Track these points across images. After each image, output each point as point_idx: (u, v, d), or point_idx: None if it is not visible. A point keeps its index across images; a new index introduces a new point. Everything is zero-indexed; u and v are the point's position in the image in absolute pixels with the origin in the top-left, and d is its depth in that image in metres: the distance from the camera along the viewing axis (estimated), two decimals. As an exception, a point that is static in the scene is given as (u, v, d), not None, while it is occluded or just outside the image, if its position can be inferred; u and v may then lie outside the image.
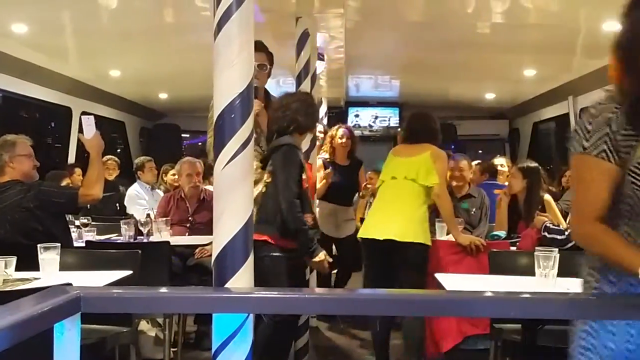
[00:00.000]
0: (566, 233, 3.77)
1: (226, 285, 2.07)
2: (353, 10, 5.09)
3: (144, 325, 4.40)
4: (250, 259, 2.10)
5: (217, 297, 1.87)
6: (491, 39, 5.91)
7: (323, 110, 8.26)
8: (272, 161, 3.49)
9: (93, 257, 3.48)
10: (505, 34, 5.73)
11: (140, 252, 3.45)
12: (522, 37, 5.74)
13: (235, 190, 2.08)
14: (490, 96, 9.35)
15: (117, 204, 6.41)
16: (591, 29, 5.35)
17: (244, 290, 2.03)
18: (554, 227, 3.92)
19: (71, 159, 7.46)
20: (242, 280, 2.07)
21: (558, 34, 5.50)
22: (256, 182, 3.45)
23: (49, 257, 2.96)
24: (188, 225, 5.09)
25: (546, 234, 3.83)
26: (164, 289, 2.00)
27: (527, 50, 6.25)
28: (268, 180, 3.49)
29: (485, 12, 5.15)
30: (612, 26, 5.14)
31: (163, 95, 9.19)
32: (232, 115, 2.08)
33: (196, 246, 4.69)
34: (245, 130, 2.09)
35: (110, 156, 6.96)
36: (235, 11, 2.08)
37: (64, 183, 5.31)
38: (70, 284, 2.47)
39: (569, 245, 3.69)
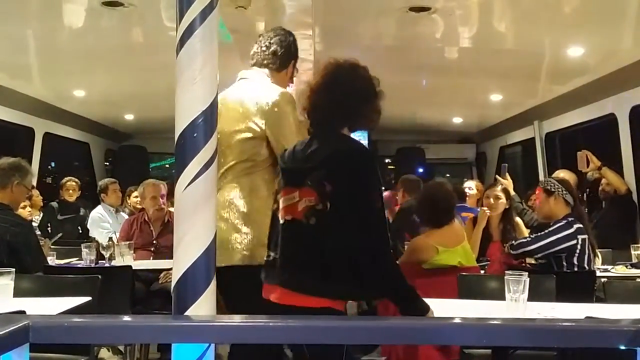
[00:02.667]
0: (532, 235, 3.86)
1: (187, 313, 1.99)
2: (321, 33, 5.08)
3: (104, 353, 4.25)
4: (212, 285, 2.02)
5: (176, 325, 1.78)
6: (458, 63, 5.96)
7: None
8: (328, 172, 2.21)
9: (50, 282, 3.35)
10: (472, 59, 5.78)
11: (100, 277, 3.32)
12: (489, 63, 5.80)
13: (196, 213, 2.01)
14: (457, 120, 9.44)
15: (79, 227, 6.24)
16: (556, 55, 5.43)
17: (205, 318, 1.94)
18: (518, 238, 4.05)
19: (33, 180, 7.26)
20: (203, 307, 1.98)
21: (523, 60, 5.57)
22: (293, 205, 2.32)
23: (2, 283, 2.84)
24: (152, 249, 4.97)
25: (513, 242, 3.93)
26: (119, 317, 1.90)
27: (493, 75, 6.31)
28: (319, 207, 2.19)
29: (452, 37, 5.19)
30: (576, 52, 5.31)
31: (129, 116, 9.05)
32: (195, 135, 2.01)
33: (160, 270, 4.56)
34: (208, 150, 2.02)
35: (69, 177, 6.78)
36: (198, 26, 2.02)
37: (21, 205, 5.14)
38: (23, 312, 2.36)
39: (535, 246, 3.73)
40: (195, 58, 2.03)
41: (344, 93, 2.30)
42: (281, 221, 2.29)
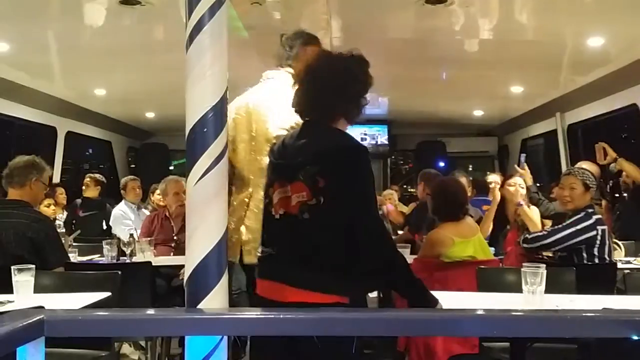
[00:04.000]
0: (549, 228, 3.83)
1: (199, 306, 2.00)
2: (338, 28, 5.07)
3: (126, 349, 4.30)
4: (225, 278, 2.03)
5: (188, 318, 1.80)
6: (478, 56, 5.91)
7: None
8: (321, 169, 2.16)
9: (71, 279, 3.39)
10: (492, 51, 5.73)
11: (120, 273, 3.36)
12: (509, 54, 5.74)
13: (208, 207, 2.02)
14: (478, 113, 9.35)
15: (104, 224, 6.28)
16: (576, 45, 5.36)
17: (218, 311, 1.95)
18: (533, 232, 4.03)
19: (56, 178, 7.35)
20: (215, 300, 2.00)
21: (544, 51, 5.50)
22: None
23: (23, 280, 2.87)
24: (173, 245, 5.00)
25: (527, 235, 3.90)
26: (131, 311, 1.92)
27: (514, 67, 6.25)
28: (312, 202, 2.15)
29: (472, 29, 5.14)
30: (597, 42, 5.23)
31: (150, 114, 9.12)
32: (205, 129, 2.02)
33: (181, 266, 4.58)
34: (218, 144, 2.03)
35: (89, 174, 6.82)
36: (207, 22, 2.03)
37: (45, 203, 5.22)
38: (41, 307, 2.40)
39: (553, 239, 3.69)
40: (204, 54, 2.04)
41: (325, 84, 2.25)
42: (276, 216, 2.24)
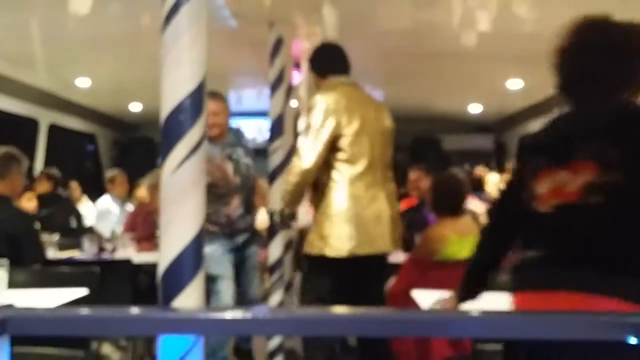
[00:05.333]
0: None
1: (174, 304, 1.90)
2: (331, 18, 4.95)
3: (107, 349, 4.17)
4: (201, 274, 1.92)
5: (159, 317, 1.68)
6: (476, 49, 5.79)
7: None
8: (613, 138, 1.80)
9: (48, 275, 3.28)
10: (490, 44, 5.61)
11: (99, 269, 3.24)
12: (508, 47, 5.63)
13: (184, 199, 1.91)
14: (476, 109, 9.24)
15: (73, 219, 5.82)
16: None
17: (192, 309, 1.84)
18: None
19: (37, 172, 7.18)
20: (191, 298, 1.89)
21: (544, 44, 5.37)
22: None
23: (-6, 276, 2.76)
24: (156, 240, 4.88)
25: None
26: (102, 309, 1.80)
27: (513, 60, 6.13)
28: (602, 180, 1.76)
29: (469, 22, 5.03)
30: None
31: (137, 107, 8.93)
32: (181, 116, 1.91)
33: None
34: (195, 132, 1.92)
35: (43, 170, 6.39)
36: (185, 2, 1.91)
37: (27, 197, 5.07)
38: (10, 305, 2.28)
39: None
40: (181, 36, 1.92)
41: (604, 58, 1.94)
42: (544, 210, 1.85)
